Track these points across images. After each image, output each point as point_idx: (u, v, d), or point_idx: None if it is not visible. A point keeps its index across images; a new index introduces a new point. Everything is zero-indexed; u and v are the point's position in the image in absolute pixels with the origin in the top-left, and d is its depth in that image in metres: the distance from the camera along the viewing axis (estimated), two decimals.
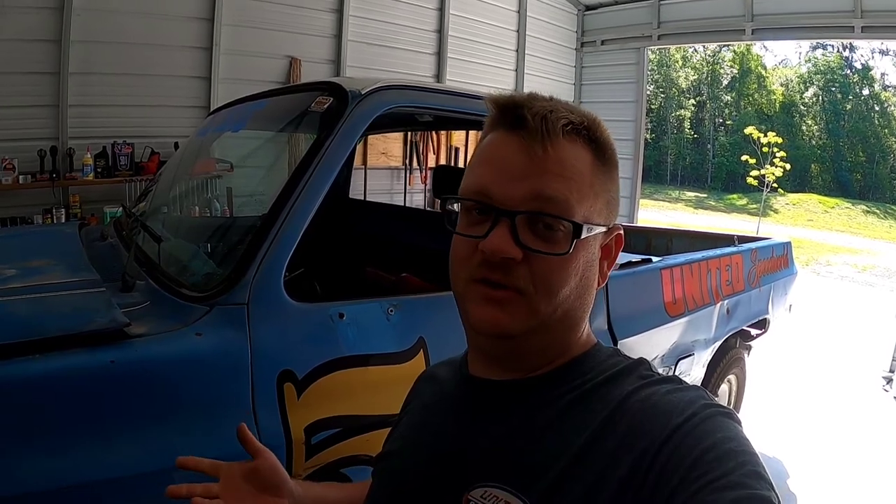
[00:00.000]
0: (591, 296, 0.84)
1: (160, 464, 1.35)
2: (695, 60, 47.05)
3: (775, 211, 33.17)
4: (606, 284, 2.53)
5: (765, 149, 22.11)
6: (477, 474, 0.78)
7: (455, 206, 0.84)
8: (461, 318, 0.84)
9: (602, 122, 0.84)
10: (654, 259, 3.18)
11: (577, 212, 0.77)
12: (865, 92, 43.52)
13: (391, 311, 1.86)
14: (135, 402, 1.39)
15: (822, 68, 44.76)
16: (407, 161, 8.04)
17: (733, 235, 4.57)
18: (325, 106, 1.99)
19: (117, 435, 1.34)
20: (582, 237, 0.77)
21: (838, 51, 43.74)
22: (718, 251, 3.68)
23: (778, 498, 0.61)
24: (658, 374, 0.80)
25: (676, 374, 3.01)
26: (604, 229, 0.82)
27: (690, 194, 40.63)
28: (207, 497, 0.93)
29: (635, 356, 0.85)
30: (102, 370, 1.36)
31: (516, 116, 0.78)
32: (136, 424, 1.38)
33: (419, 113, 2.61)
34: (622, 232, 0.87)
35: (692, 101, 46.30)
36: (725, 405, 0.74)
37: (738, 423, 0.71)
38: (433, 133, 7.90)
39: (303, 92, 2.38)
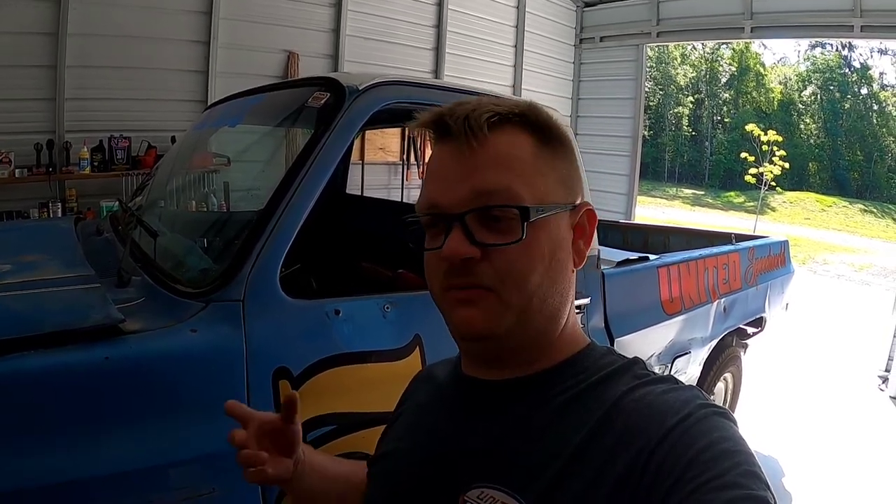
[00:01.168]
0: (567, 279, 0.84)
1: (154, 460, 1.35)
2: (693, 58, 47.07)
3: (773, 209, 33.21)
4: (604, 282, 2.56)
5: (764, 147, 22.13)
6: (473, 475, 0.77)
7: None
8: (448, 328, 0.85)
9: (540, 105, 0.85)
10: (652, 257, 3.19)
11: (523, 197, 0.77)
12: (864, 91, 43.55)
13: (387, 308, 1.86)
14: (129, 399, 1.39)
15: (820, 67, 44.79)
16: (404, 157, 8.03)
17: (731, 234, 4.58)
18: (323, 101, 1.98)
19: (112, 431, 1.34)
20: (531, 220, 0.77)
21: (837, 50, 43.80)
22: (716, 249, 3.68)
23: (774, 497, 0.61)
24: (653, 373, 0.80)
25: (673, 372, 3.01)
26: (565, 209, 0.82)
27: (688, 191, 40.65)
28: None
29: (632, 354, 0.85)
30: (97, 366, 1.36)
31: (441, 126, 0.80)
32: (131, 421, 1.37)
33: (416, 109, 2.60)
34: (592, 207, 0.86)
35: (690, 98, 46.32)
36: (721, 405, 0.74)
37: (734, 422, 0.71)
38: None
39: (300, 87, 2.38)
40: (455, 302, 0.78)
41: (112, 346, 1.39)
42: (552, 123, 0.84)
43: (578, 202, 0.84)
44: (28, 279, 1.77)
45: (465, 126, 0.77)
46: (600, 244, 2.79)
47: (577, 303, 2.32)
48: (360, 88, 1.96)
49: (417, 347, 1.87)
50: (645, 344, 2.79)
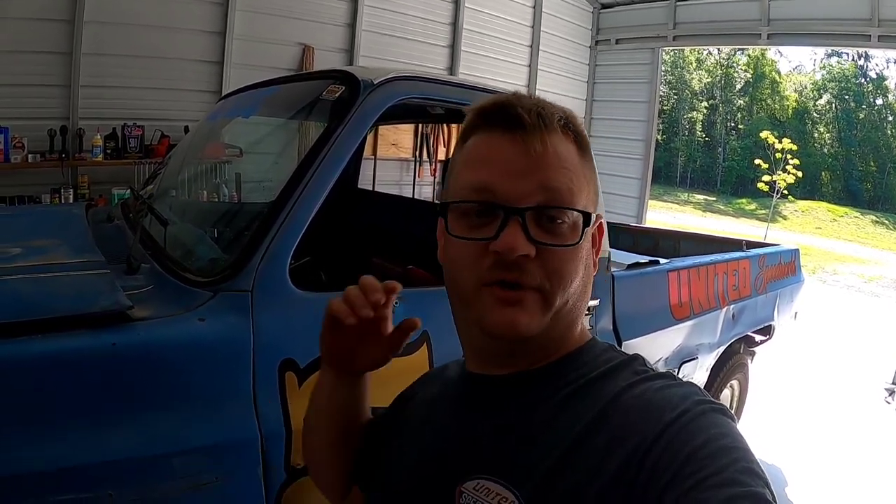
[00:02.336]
0: (591, 287, 0.85)
1: (158, 448, 1.35)
2: (709, 63, 46.94)
3: (784, 217, 33.09)
4: (613, 284, 2.55)
5: (778, 154, 22.03)
6: (471, 466, 0.78)
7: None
8: (460, 322, 0.86)
9: (576, 114, 0.85)
10: (662, 261, 3.17)
11: (579, 202, 0.78)
12: (879, 101, 43.32)
13: (396, 303, 1.85)
14: (135, 386, 1.39)
15: (836, 76, 44.59)
16: (417, 153, 8.04)
17: (742, 240, 4.56)
18: (337, 95, 1.98)
19: (117, 417, 1.34)
20: (591, 226, 0.79)
21: (853, 59, 43.55)
22: (726, 255, 3.67)
23: (773, 494, 0.61)
24: (652, 369, 0.81)
25: (668, 371, 3.00)
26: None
27: (699, 197, 40.59)
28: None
29: None
30: (104, 352, 1.35)
31: (510, 115, 0.78)
32: (137, 408, 1.37)
33: (431, 105, 2.60)
34: (603, 221, 0.90)
35: (705, 103, 46.21)
36: (718, 401, 0.74)
37: (732, 418, 0.71)
38: (444, 125, 7.89)
39: (315, 80, 2.37)
40: (496, 300, 0.77)
41: (119, 333, 1.39)
42: (586, 135, 0.85)
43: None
44: (37, 263, 1.77)
45: (539, 120, 0.77)
46: (610, 247, 2.78)
47: (587, 305, 2.32)
48: (376, 83, 1.95)
49: (425, 343, 1.86)
50: (653, 348, 2.78)
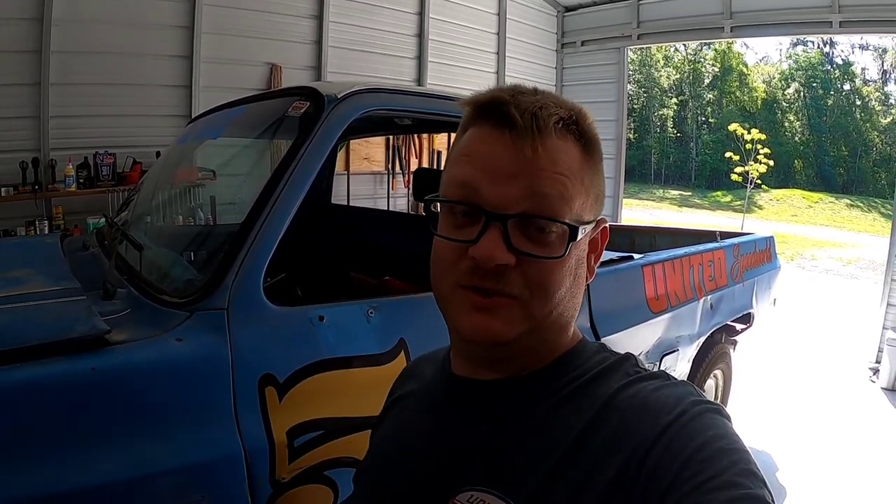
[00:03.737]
0: (582, 293, 0.82)
1: (143, 469, 1.36)
2: (676, 60, 47.34)
3: (760, 207, 33.41)
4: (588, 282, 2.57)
5: (748, 145, 22.25)
6: (463, 477, 0.76)
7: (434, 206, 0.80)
8: (446, 321, 0.81)
9: (588, 112, 0.80)
10: (636, 256, 3.20)
11: (569, 211, 0.74)
12: (846, 87, 43.93)
13: (371, 312, 1.87)
14: (116, 409, 1.39)
15: (803, 65, 45.13)
16: (389, 166, 8.04)
17: (716, 232, 4.61)
18: (302, 111, 1.99)
19: (99, 442, 1.34)
20: (577, 239, 0.75)
21: (819, 47, 44.16)
22: (700, 247, 3.70)
23: (771, 495, 0.61)
24: (645, 369, 0.79)
25: (661, 370, 3.02)
26: (593, 225, 0.80)
27: (675, 193, 40.82)
28: None
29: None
30: (83, 377, 1.36)
31: (502, 113, 0.74)
32: (118, 431, 1.37)
33: (396, 116, 2.62)
34: (607, 225, 0.85)
35: (674, 100, 46.58)
36: (714, 401, 0.73)
37: (728, 418, 0.70)
38: (415, 137, 7.92)
39: (280, 97, 2.39)
40: (470, 306, 0.75)
41: (98, 357, 1.40)
42: (596, 135, 0.81)
43: (599, 217, 0.82)
44: (13, 293, 1.77)
45: (532, 123, 0.72)
46: None
47: None
48: (339, 97, 1.97)
49: (402, 351, 1.87)
50: (632, 342, 2.79)
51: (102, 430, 1.36)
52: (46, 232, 5.32)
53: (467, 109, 0.79)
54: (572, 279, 0.77)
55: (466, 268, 0.74)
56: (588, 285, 2.48)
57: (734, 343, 4.29)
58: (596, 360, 0.80)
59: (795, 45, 45.30)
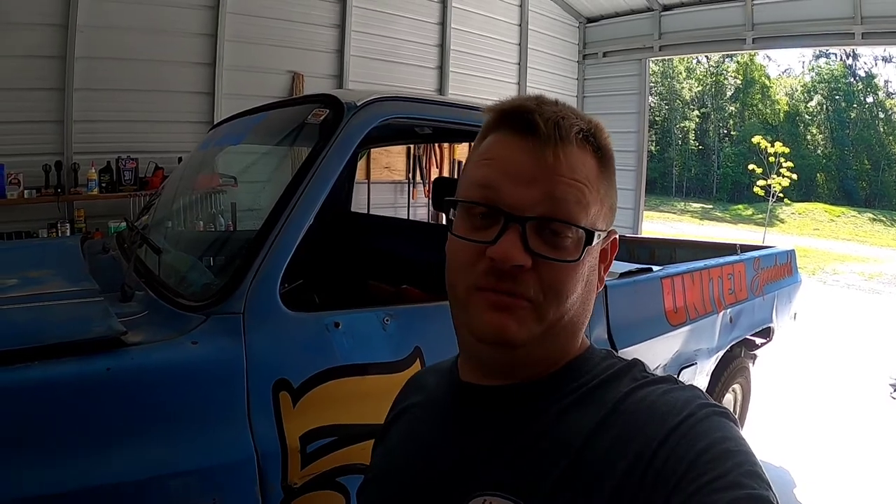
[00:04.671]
0: (593, 301, 0.83)
1: (155, 471, 1.36)
2: (699, 72, 47.14)
3: (781, 221, 33.11)
4: (606, 293, 2.56)
5: (771, 158, 22.09)
6: (474, 483, 0.76)
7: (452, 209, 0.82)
8: (457, 325, 0.83)
9: (604, 127, 0.83)
10: (655, 268, 3.18)
11: (585, 218, 0.76)
12: (869, 100, 43.46)
13: (387, 320, 1.87)
14: (130, 410, 1.40)
15: (825, 77, 44.75)
16: (410, 175, 8.07)
17: (735, 244, 4.57)
18: (322, 118, 2.01)
19: (113, 441, 1.35)
20: (593, 244, 0.77)
21: (841, 59, 43.80)
22: (720, 260, 3.66)
23: (776, 497, 0.61)
24: (653, 374, 0.80)
25: (669, 375, 2.99)
26: (605, 234, 0.82)
27: (696, 205, 40.57)
28: None
29: None
30: (99, 377, 1.37)
31: (527, 121, 0.76)
32: (132, 431, 1.38)
33: (416, 125, 2.62)
34: (617, 236, 0.87)
35: (696, 112, 46.33)
36: (721, 404, 0.73)
37: (735, 422, 0.71)
38: (436, 147, 7.94)
39: (300, 105, 2.40)
40: (487, 304, 0.76)
41: (114, 358, 1.41)
42: (611, 149, 0.83)
43: (611, 228, 0.84)
44: (33, 293, 1.80)
45: (555, 132, 0.75)
46: None
47: None
48: (359, 104, 1.98)
49: (417, 359, 1.87)
50: (650, 355, 2.77)
51: (116, 430, 1.37)
52: (68, 234, 5.39)
53: (491, 115, 0.82)
54: (584, 285, 0.79)
55: (483, 269, 0.75)
56: (606, 295, 2.45)
57: (754, 357, 4.24)
58: (604, 367, 0.81)
59: (818, 57, 45.05)
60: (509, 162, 0.77)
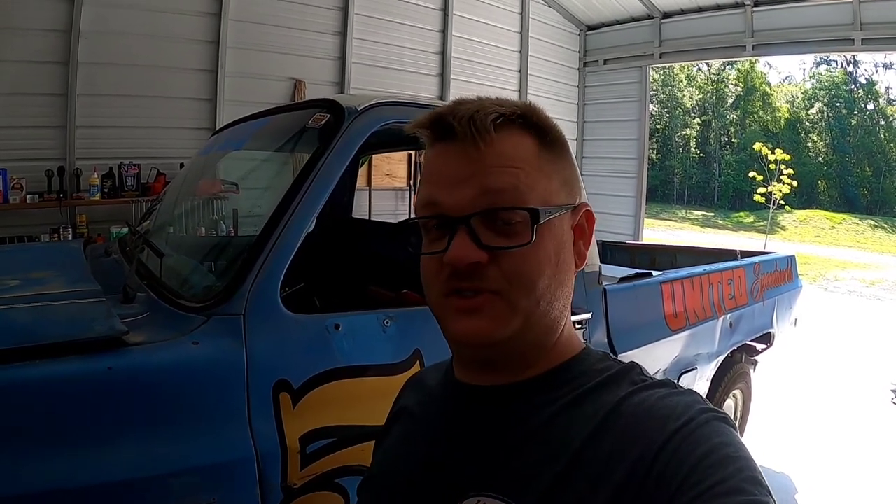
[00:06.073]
0: (571, 281, 0.83)
1: (155, 470, 1.37)
2: (699, 79, 47.17)
3: (782, 228, 33.08)
4: (606, 298, 2.56)
5: (772, 165, 22.08)
6: (469, 483, 0.76)
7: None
8: (444, 335, 0.83)
9: (539, 107, 0.83)
10: (655, 273, 3.19)
11: (530, 198, 0.76)
12: (870, 106, 43.39)
13: (387, 322, 1.87)
14: (131, 409, 1.41)
15: (826, 84, 44.75)
16: (411, 182, 8.08)
17: (736, 250, 4.57)
18: (322, 122, 2.02)
19: (113, 440, 1.36)
20: (541, 222, 0.76)
21: (842, 66, 43.81)
22: (720, 265, 3.67)
23: (775, 502, 0.61)
24: (651, 377, 0.79)
25: (667, 378, 2.99)
26: (567, 210, 0.82)
27: (697, 213, 40.53)
28: None
29: None
30: (100, 376, 1.38)
31: (444, 126, 0.78)
32: (132, 430, 1.39)
33: None
34: (591, 208, 0.86)
35: (697, 120, 46.34)
36: (721, 409, 0.73)
37: (734, 427, 0.70)
38: None
39: (302, 109, 2.42)
40: (457, 312, 0.77)
41: (115, 357, 1.42)
42: (551, 124, 0.83)
43: (578, 203, 0.84)
44: (35, 293, 1.81)
45: (470, 127, 0.75)
46: (607, 264, 2.80)
47: (578, 318, 2.34)
48: (359, 109, 1.99)
49: (417, 361, 1.87)
50: (649, 360, 2.77)
51: (116, 428, 1.38)
52: (70, 239, 5.40)
53: (421, 133, 0.82)
54: (555, 266, 0.79)
55: (445, 276, 0.77)
56: (606, 300, 2.45)
57: (754, 363, 4.23)
58: (600, 368, 0.81)
59: (819, 64, 45.05)
60: (442, 170, 0.79)
